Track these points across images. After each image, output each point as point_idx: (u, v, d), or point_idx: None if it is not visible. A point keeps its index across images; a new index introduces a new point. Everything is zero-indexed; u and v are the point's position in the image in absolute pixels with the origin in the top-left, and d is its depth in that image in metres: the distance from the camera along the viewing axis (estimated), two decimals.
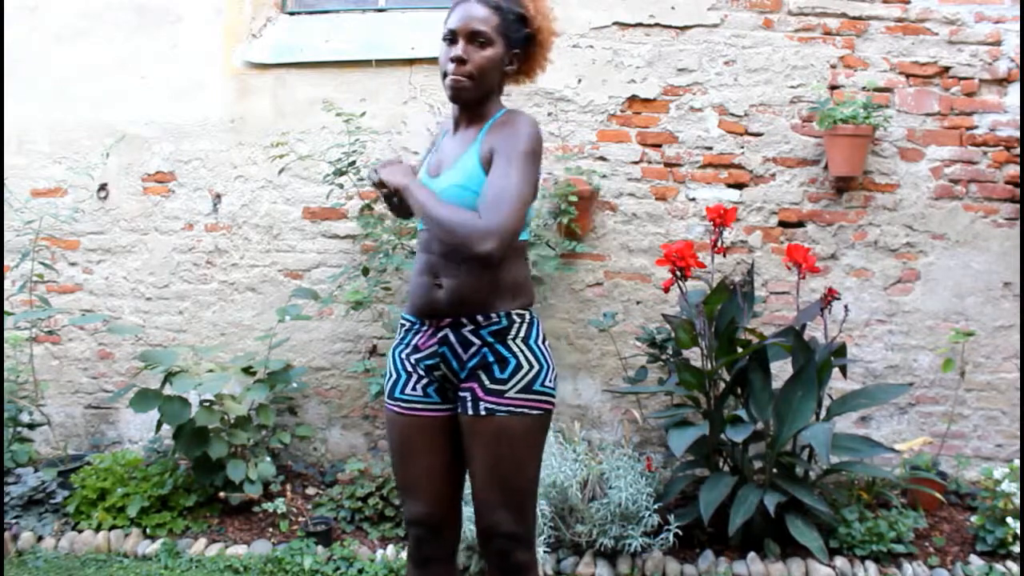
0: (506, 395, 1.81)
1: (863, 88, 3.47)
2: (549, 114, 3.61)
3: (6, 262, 3.68)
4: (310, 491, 3.54)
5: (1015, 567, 2.91)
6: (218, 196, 3.83)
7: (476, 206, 1.72)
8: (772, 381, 3.07)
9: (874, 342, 3.57)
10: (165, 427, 3.34)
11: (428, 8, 3.78)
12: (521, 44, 1.87)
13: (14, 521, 3.23)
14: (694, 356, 3.15)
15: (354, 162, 3.47)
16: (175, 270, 3.87)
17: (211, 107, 3.80)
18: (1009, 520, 2.98)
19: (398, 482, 1.98)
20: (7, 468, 3.43)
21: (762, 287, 3.58)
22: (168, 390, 3.30)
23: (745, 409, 3.04)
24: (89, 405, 3.96)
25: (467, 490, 1.95)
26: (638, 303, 3.64)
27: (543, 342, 1.90)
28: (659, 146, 3.60)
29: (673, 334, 3.22)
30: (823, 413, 3.10)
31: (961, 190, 3.50)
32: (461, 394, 1.87)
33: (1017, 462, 3.18)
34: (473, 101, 1.85)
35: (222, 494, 3.34)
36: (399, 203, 1.90)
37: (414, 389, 1.91)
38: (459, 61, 1.79)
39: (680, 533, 2.94)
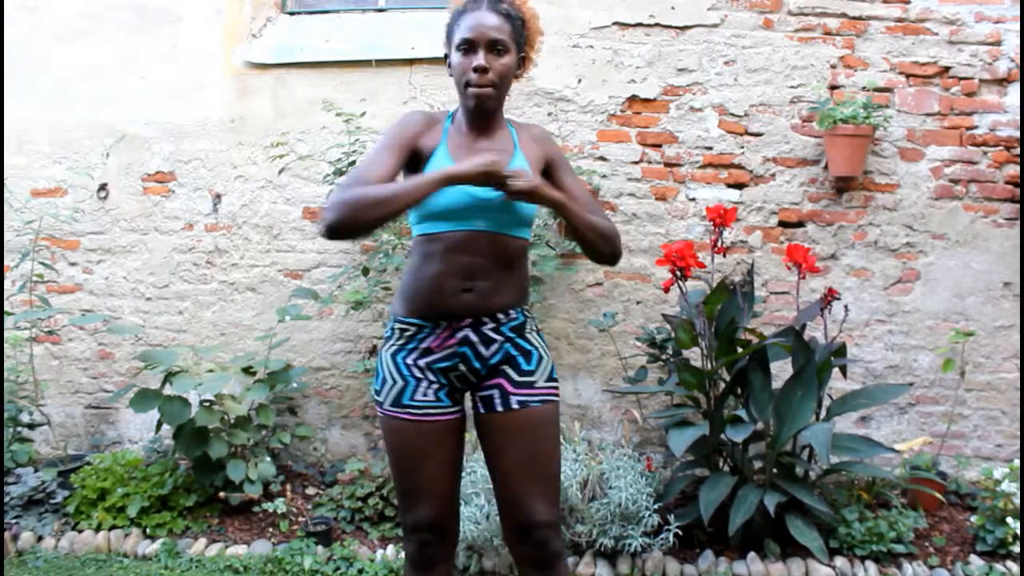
0: (536, 385, 1.90)
1: (863, 88, 3.47)
2: (549, 114, 3.61)
3: (6, 262, 3.68)
4: (310, 491, 3.54)
5: (1015, 567, 2.91)
6: (218, 196, 3.83)
7: (533, 213, 1.92)
8: (772, 381, 3.07)
9: (874, 342, 3.57)
10: (165, 427, 3.34)
11: (428, 8, 3.78)
12: (523, 47, 1.92)
13: (14, 521, 3.23)
14: (694, 356, 3.15)
15: (354, 162, 3.47)
16: (175, 270, 3.87)
17: (211, 107, 3.80)
18: (1009, 520, 2.98)
19: (404, 488, 1.93)
20: (7, 468, 3.43)
21: (762, 287, 3.58)
22: (168, 390, 3.30)
23: (745, 409, 3.04)
24: (89, 405, 3.96)
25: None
26: (638, 303, 3.64)
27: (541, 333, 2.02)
28: (659, 146, 3.60)
29: (673, 334, 3.22)
30: (823, 413, 3.10)
31: (961, 190, 3.50)
32: (484, 393, 1.89)
33: (1017, 462, 3.17)
34: (493, 108, 1.88)
35: (222, 494, 3.34)
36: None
37: (425, 395, 1.89)
38: (483, 71, 1.81)
39: (680, 533, 2.94)
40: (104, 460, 3.41)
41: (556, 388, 1.94)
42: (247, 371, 3.53)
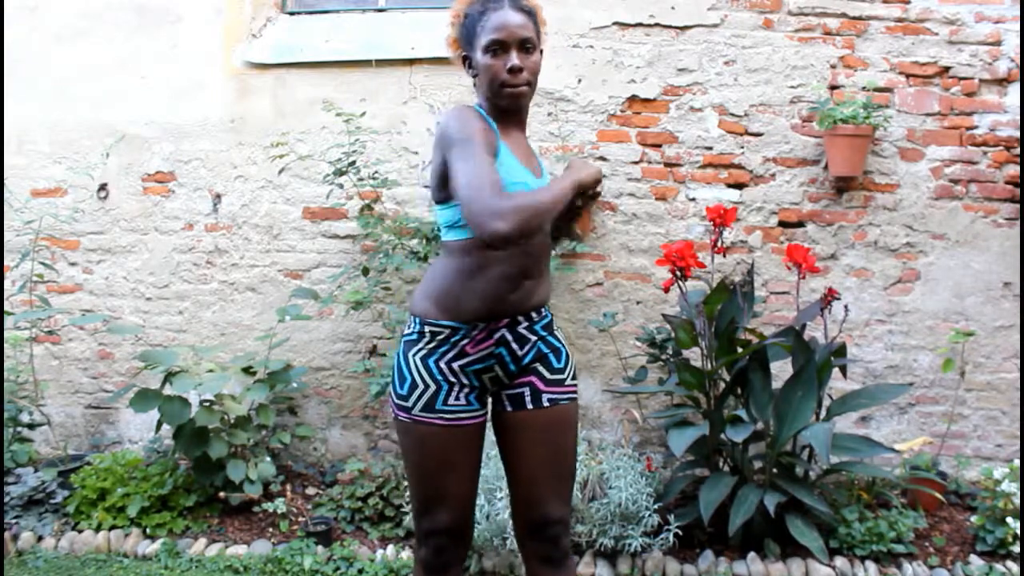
0: (565, 383, 1.94)
1: (863, 88, 3.47)
2: (549, 114, 3.61)
3: (6, 262, 3.68)
4: (310, 491, 3.54)
5: (1015, 567, 2.91)
6: (218, 196, 3.83)
7: None
8: (772, 381, 3.07)
9: (874, 342, 3.57)
10: (165, 427, 3.34)
11: (428, 8, 3.78)
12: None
13: (14, 521, 3.23)
14: (694, 356, 3.15)
15: (354, 162, 3.47)
16: (175, 270, 3.87)
17: (211, 107, 3.80)
18: (1009, 520, 2.98)
19: (426, 494, 1.90)
20: (7, 468, 3.43)
21: (762, 287, 3.58)
22: (168, 390, 3.30)
23: (745, 409, 3.04)
24: (89, 405, 3.96)
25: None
26: (638, 303, 3.64)
27: None
28: (659, 146, 3.60)
29: (673, 334, 3.22)
30: (823, 413, 3.10)
31: (961, 190, 3.50)
32: (515, 391, 1.91)
33: (1017, 462, 3.18)
34: (526, 105, 1.90)
35: (222, 494, 3.34)
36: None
37: (457, 399, 1.86)
38: (518, 71, 1.80)
39: (680, 533, 2.94)
40: (104, 460, 3.41)
41: (577, 384, 2.00)
42: (247, 371, 3.53)
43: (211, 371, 3.48)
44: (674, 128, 3.59)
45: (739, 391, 3.11)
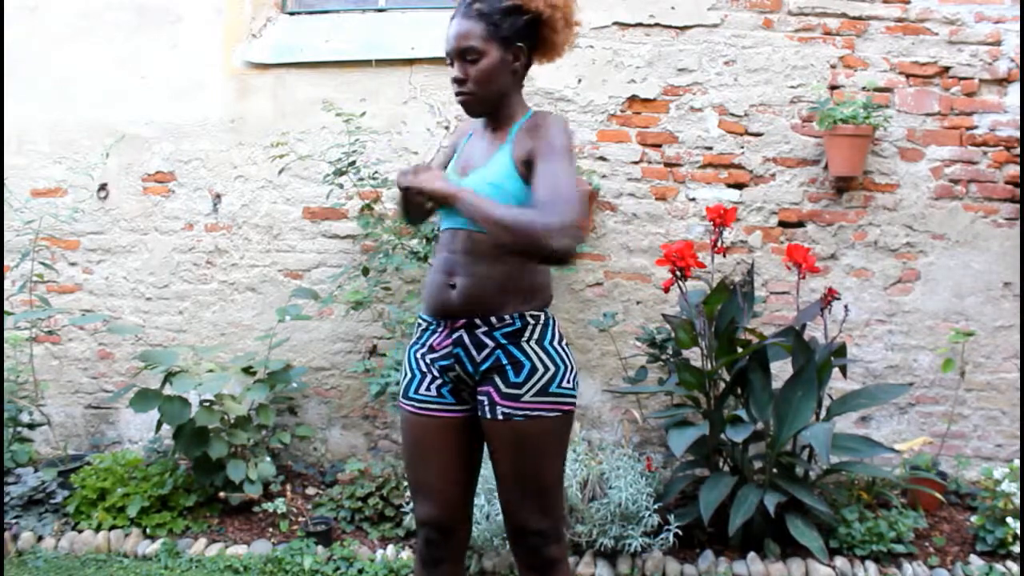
0: (522, 399, 1.81)
1: (863, 88, 3.47)
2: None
3: (6, 262, 3.68)
4: (310, 491, 3.54)
5: (1015, 567, 2.91)
6: (218, 196, 3.83)
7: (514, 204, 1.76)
8: (772, 381, 3.07)
9: (874, 342, 3.57)
10: (165, 427, 3.34)
11: (428, 8, 3.78)
12: (524, 33, 1.83)
13: (14, 521, 3.22)
14: (694, 356, 3.15)
15: (354, 162, 3.47)
16: (175, 270, 3.87)
17: (211, 107, 3.80)
18: (1009, 520, 2.98)
19: (410, 483, 1.97)
20: (7, 468, 3.43)
21: (762, 287, 3.58)
22: (168, 390, 3.30)
23: (745, 409, 3.04)
24: (89, 405, 3.96)
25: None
26: (638, 303, 3.64)
27: (559, 342, 1.88)
28: (659, 146, 3.60)
29: (673, 334, 3.22)
30: (823, 413, 3.10)
31: (961, 190, 3.50)
32: (479, 397, 1.87)
33: (1017, 462, 3.17)
34: (487, 111, 1.89)
35: (222, 494, 3.34)
36: (413, 207, 1.90)
37: (428, 389, 1.90)
38: (458, 82, 1.83)
39: (680, 533, 2.94)
40: (104, 460, 3.41)
41: (555, 402, 1.83)
42: (247, 371, 3.53)
43: (211, 371, 3.48)
44: (674, 128, 3.59)
45: (739, 391, 3.11)
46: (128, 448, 3.79)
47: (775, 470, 3.02)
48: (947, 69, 3.47)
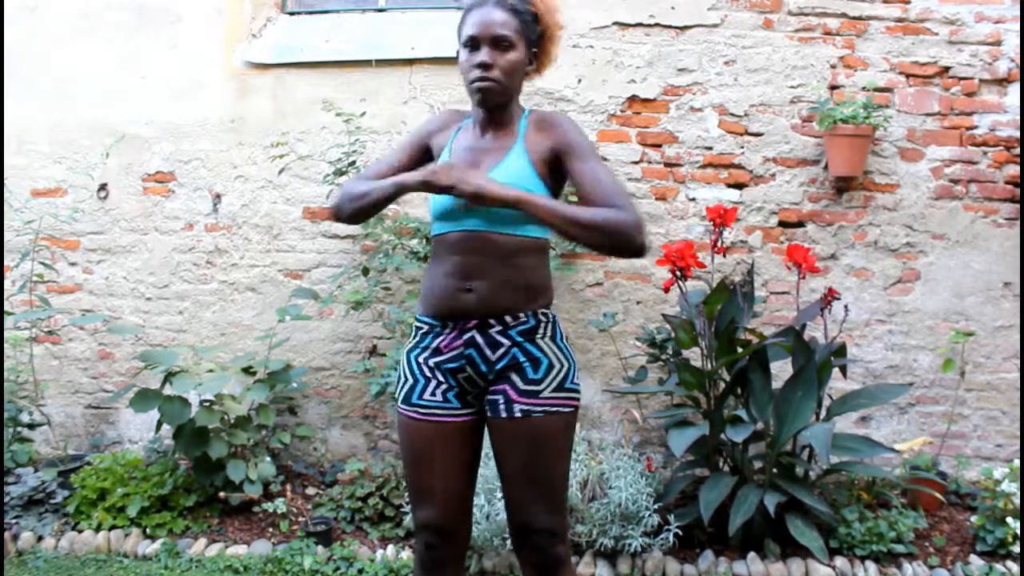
0: (541, 395, 1.83)
1: (863, 88, 3.47)
2: None
3: (6, 262, 3.68)
4: (310, 491, 3.54)
5: (1015, 567, 2.91)
6: (218, 196, 3.83)
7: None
8: (772, 381, 3.06)
9: (874, 342, 3.57)
10: (165, 427, 3.34)
11: (428, 8, 3.77)
12: (536, 42, 1.90)
13: (14, 521, 3.23)
14: (694, 356, 3.15)
15: (354, 162, 3.47)
16: (175, 270, 3.87)
17: (211, 107, 3.80)
18: (1009, 520, 2.98)
19: (411, 487, 1.93)
20: (7, 468, 3.43)
21: (762, 287, 3.58)
22: (168, 390, 3.30)
23: (745, 409, 3.04)
24: (89, 405, 3.96)
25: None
26: (638, 303, 3.64)
27: (566, 340, 1.93)
28: (659, 146, 3.60)
29: (673, 334, 3.22)
30: (823, 413, 3.10)
31: (961, 190, 3.50)
32: (491, 397, 1.86)
33: (1017, 462, 3.17)
34: (500, 104, 1.87)
35: (222, 494, 3.34)
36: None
37: (433, 395, 1.87)
38: (485, 66, 1.80)
39: (680, 533, 2.94)
40: (104, 460, 3.41)
41: (569, 398, 1.86)
42: (247, 371, 3.53)
43: (211, 371, 3.48)
44: (674, 128, 3.59)
45: (739, 391, 3.11)
46: (128, 448, 3.80)
47: (775, 470, 3.02)
48: (947, 69, 3.47)
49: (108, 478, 3.33)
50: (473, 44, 1.82)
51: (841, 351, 3.14)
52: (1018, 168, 3.45)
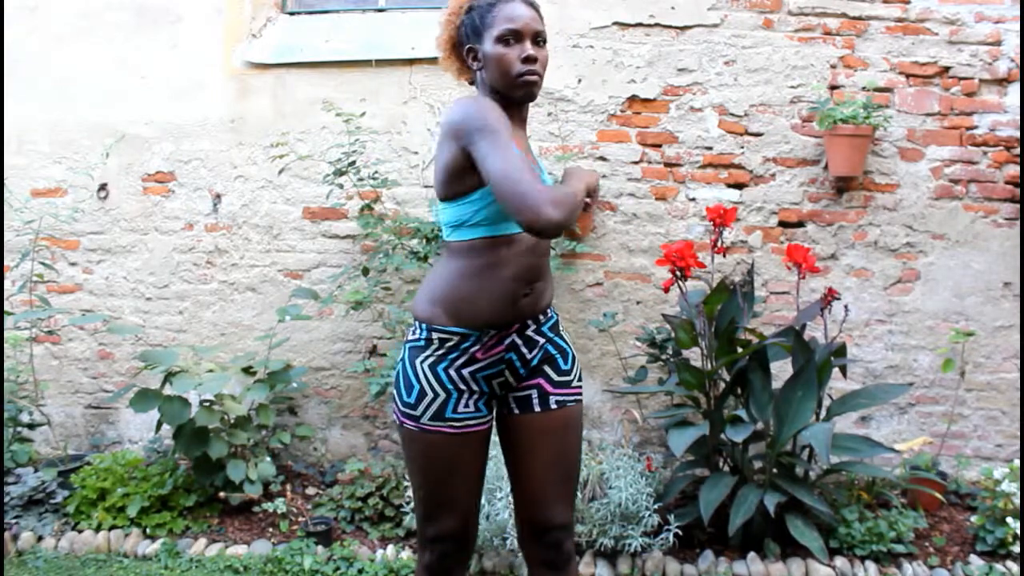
0: (571, 384, 1.93)
1: (863, 88, 3.47)
2: (549, 114, 3.61)
3: (6, 262, 3.68)
4: (310, 491, 3.54)
5: (1015, 567, 2.91)
6: (218, 196, 3.83)
7: None
8: (772, 381, 3.07)
9: (874, 342, 3.57)
10: (165, 427, 3.34)
11: (428, 8, 3.78)
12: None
13: (14, 521, 3.23)
14: (694, 356, 3.15)
15: (354, 162, 3.47)
16: (175, 270, 3.87)
17: (211, 107, 3.80)
18: (1009, 520, 2.98)
19: (433, 501, 1.87)
20: (7, 468, 3.43)
21: (762, 287, 3.58)
22: (168, 390, 3.30)
23: (745, 409, 3.04)
24: (89, 405, 3.96)
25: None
26: (638, 303, 3.64)
27: None
28: (659, 146, 3.60)
29: (673, 334, 3.22)
30: (823, 413, 3.10)
31: (961, 190, 3.50)
32: (522, 394, 1.88)
33: (1017, 462, 3.18)
34: (534, 98, 1.86)
35: (222, 494, 3.34)
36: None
37: (467, 406, 1.82)
38: (533, 60, 1.79)
39: (680, 533, 2.95)
40: (104, 460, 3.41)
41: (582, 387, 1.97)
42: (247, 371, 3.54)
43: (211, 371, 3.48)
44: (674, 128, 3.59)
45: (739, 391, 3.11)
46: (128, 448, 3.80)
47: (775, 470, 3.02)
48: (947, 69, 3.47)
49: (108, 478, 3.33)
50: (515, 38, 1.78)
51: (841, 351, 3.14)
52: (1018, 168, 3.45)
